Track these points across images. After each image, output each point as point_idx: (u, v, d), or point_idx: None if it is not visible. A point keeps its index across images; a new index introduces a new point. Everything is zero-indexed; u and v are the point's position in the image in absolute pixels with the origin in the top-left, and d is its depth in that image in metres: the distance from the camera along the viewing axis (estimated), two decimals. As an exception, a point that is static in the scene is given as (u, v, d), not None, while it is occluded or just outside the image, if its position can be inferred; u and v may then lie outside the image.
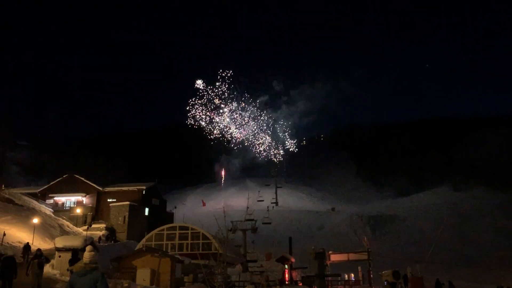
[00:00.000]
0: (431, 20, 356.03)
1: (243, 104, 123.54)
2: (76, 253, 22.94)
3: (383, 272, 33.47)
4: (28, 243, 31.70)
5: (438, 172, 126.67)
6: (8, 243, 34.90)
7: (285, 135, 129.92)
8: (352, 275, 39.19)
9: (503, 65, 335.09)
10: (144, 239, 39.54)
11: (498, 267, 51.39)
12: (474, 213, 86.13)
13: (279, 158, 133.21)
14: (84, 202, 56.50)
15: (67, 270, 21.29)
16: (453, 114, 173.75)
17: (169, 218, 61.83)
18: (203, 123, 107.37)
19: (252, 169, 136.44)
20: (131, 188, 58.35)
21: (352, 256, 38.82)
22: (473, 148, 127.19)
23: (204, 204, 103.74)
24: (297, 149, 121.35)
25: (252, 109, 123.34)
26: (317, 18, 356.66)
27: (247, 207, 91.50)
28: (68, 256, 28.02)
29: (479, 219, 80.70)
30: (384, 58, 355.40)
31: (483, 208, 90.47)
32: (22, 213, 43.67)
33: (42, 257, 18.69)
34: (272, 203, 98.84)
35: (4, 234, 34.68)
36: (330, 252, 38.86)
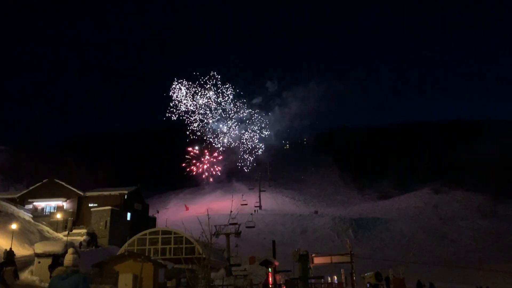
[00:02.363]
0: (414, 30, 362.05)
1: (233, 104, 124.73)
2: (57, 259, 22.49)
3: (366, 274, 33.85)
4: (11, 248, 31.01)
5: (419, 176, 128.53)
6: (-15, 249, 34.06)
7: (271, 138, 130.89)
8: (335, 277, 39.46)
9: (486, 71, 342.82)
10: (126, 244, 39.08)
11: (478, 268, 52.35)
12: (454, 215, 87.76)
13: (264, 161, 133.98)
14: (64, 207, 55.50)
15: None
16: (435, 119, 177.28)
17: (152, 222, 61.28)
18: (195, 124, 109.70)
19: (237, 173, 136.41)
20: (113, 193, 57.57)
21: (335, 259, 39.13)
22: (453, 152, 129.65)
23: (187, 208, 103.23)
24: (281, 152, 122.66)
25: (242, 110, 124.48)
26: (308, 22, 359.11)
27: (231, 211, 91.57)
28: (48, 262, 27.62)
29: (459, 221, 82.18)
30: (368, 64, 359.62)
31: (463, 211, 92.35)
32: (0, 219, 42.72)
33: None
34: (255, 206, 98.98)
35: (-19, 241, 33.87)
36: (313, 254, 39.09)
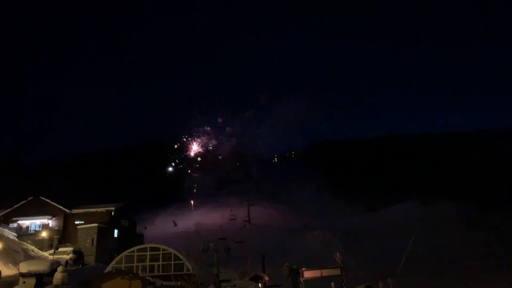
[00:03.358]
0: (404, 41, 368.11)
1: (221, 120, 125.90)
2: (40, 278, 22.06)
3: None
4: None
5: (406, 187, 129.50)
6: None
7: (261, 151, 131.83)
8: (326, 291, 39.21)
9: (471, 82, 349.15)
10: (113, 262, 38.50)
11: (467, 277, 52.62)
12: (442, 226, 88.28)
13: (253, 174, 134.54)
14: (50, 225, 54.65)
15: None
16: (420, 131, 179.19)
17: (139, 239, 60.61)
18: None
19: (226, 185, 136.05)
20: (99, 210, 56.92)
21: (325, 272, 38.73)
22: (440, 163, 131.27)
23: (175, 224, 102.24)
24: (270, 165, 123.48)
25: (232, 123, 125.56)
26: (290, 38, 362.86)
27: (220, 226, 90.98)
28: (33, 281, 27.00)
29: (447, 232, 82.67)
30: (352, 77, 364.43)
31: (450, 221, 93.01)
32: (-17, 238, 41.77)
33: None
34: (244, 221, 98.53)
35: (-36, 261, 33.03)
36: (303, 268, 38.77)
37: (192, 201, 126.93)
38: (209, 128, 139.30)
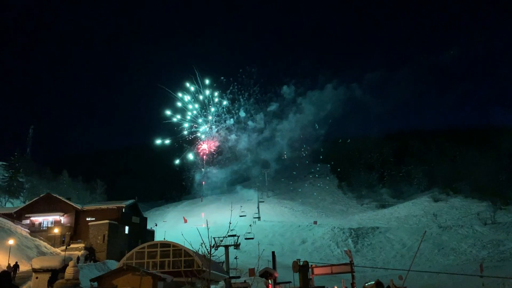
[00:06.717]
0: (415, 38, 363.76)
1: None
2: (56, 274, 22.41)
3: (367, 284, 33.55)
4: (16, 262, 31.07)
5: (417, 184, 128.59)
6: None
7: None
8: (336, 287, 39.18)
9: (484, 77, 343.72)
10: (124, 258, 38.74)
11: (479, 275, 52.08)
12: (454, 223, 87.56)
13: (264, 171, 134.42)
14: (62, 222, 55.28)
15: None
16: (431, 127, 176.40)
17: (150, 236, 61.00)
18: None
19: (235, 183, 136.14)
20: (110, 207, 57.40)
21: (335, 269, 38.72)
22: (451, 160, 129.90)
23: (185, 221, 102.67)
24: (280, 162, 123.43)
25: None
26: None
27: (229, 223, 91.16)
28: (45, 277, 27.38)
29: (459, 229, 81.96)
30: (364, 72, 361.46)
31: (462, 218, 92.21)
32: (-4, 234, 42.37)
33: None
34: (254, 218, 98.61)
35: (-22, 257, 33.55)
36: (313, 265, 38.74)
37: (202, 198, 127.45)
38: (225, 124, 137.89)
